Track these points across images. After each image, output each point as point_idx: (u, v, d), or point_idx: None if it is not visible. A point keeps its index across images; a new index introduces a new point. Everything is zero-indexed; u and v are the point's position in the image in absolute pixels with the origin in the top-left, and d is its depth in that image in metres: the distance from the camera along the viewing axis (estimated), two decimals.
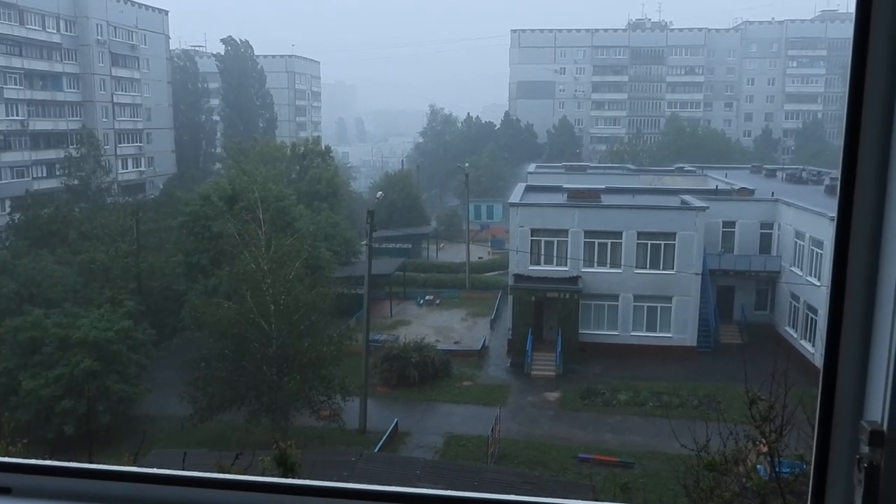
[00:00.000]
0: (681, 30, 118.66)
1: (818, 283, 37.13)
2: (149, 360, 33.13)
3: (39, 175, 70.22)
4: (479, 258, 61.28)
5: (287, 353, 28.45)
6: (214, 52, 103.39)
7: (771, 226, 43.66)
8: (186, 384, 28.65)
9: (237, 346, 28.59)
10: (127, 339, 31.37)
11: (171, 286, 40.20)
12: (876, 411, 1.47)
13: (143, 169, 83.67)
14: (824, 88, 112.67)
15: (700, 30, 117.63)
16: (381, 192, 55.06)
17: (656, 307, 39.61)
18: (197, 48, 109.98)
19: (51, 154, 70.41)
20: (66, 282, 38.39)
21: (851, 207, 1.51)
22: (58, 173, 67.43)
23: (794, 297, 40.30)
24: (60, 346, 29.77)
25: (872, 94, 1.48)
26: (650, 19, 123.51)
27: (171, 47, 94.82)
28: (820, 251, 37.38)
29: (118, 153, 79.85)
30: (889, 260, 1.47)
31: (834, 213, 1.61)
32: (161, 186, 76.55)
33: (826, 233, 36.03)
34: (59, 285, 37.85)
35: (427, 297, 51.31)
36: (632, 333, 39.78)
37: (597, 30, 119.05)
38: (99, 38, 77.31)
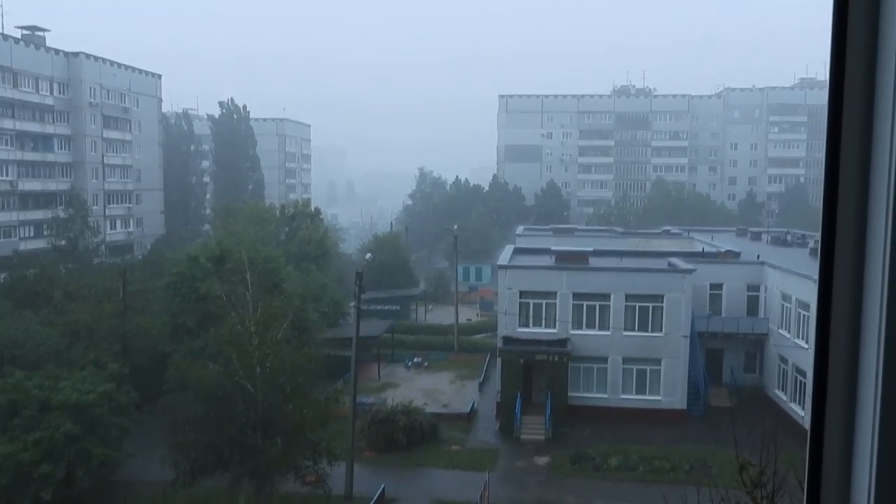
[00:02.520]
0: (665, 96, 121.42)
1: (806, 346, 37.16)
2: (131, 424, 32.46)
3: (27, 235, 70.07)
4: (468, 320, 61.07)
5: (272, 416, 27.98)
6: (208, 114, 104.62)
7: (757, 288, 43.91)
8: (169, 448, 28.05)
9: (221, 409, 28.09)
10: (109, 401, 30.79)
11: (157, 348, 39.72)
12: (861, 496, 1.47)
13: (131, 230, 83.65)
14: (806, 153, 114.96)
15: (683, 96, 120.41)
16: (369, 254, 55.26)
17: (645, 370, 39.44)
18: (189, 110, 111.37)
19: (39, 214, 70.43)
20: (50, 343, 37.84)
21: (832, 269, 1.53)
22: (45, 233, 67.33)
23: (783, 359, 40.26)
24: (41, 408, 29.16)
25: (848, 159, 1.51)
26: (635, 86, 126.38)
27: (164, 109, 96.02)
28: (807, 313, 37.51)
29: (107, 214, 79.95)
30: (870, 330, 1.47)
31: (818, 277, 1.63)
32: (149, 247, 76.41)
33: (812, 295, 36.03)
34: (41, 346, 37.29)
35: (415, 360, 50.87)
36: (621, 396, 39.48)
37: (583, 95, 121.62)
38: (92, 100, 78.21)
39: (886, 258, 1.45)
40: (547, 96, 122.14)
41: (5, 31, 70.70)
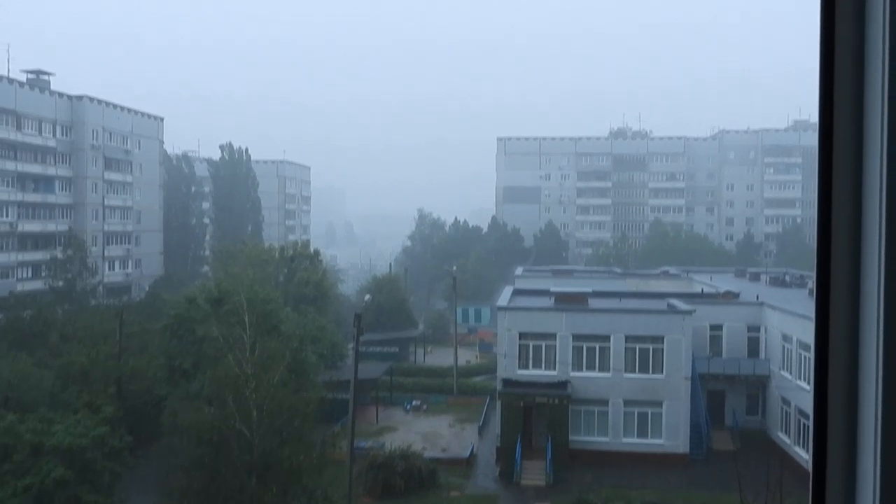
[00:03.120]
0: (661, 138, 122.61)
1: (808, 388, 36.82)
2: (125, 468, 31.96)
3: (25, 276, 70.00)
4: (467, 362, 60.67)
5: (268, 460, 27.57)
6: (206, 157, 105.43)
7: (758, 329, 43.72)
8: (162, 494, 27.59)
9: (216, 454, 27.69)
10: (102, 446, 30.33)
11: (152, 390, 39.33)
12: None
13: (129, 271, 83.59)
14: (801, 194, 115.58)
15: (679, 138, 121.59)
16: (368, 295, 55.02)
17: (647, 412, 39.00)
18: (190, 152, 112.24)
19: (38, 255, 70.44)
20: (44, 385, 37.44)
21: (828, 309, 1.52)
22: (43, 274, 67.23)
23: (785, 401, 39.88)
24: (33, 453, 28.71)
25: (840, 199, 1.49)
26: (631, 128, 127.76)
27: (166, 150, 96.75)
28: (808, 354, 37.25)
29: (106, 255, 79.98)
30: (868, 367, 1.44)
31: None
32: (147, 288, 76.26)
33: (813, 336, 35.95)
34: (35, 389, 36.88)
35: (414, 402, 50.38)
36: (623, 440, 38.98)
37: (580, 138, 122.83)
38: (94, 142, 78.83)
39: (881, 294, 1.46)
40: (544, 138, 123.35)
41: (11, 76, 71.62)
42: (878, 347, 1.45)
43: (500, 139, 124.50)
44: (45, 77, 77.14)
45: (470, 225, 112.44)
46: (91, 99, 79.18)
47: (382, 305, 65.45)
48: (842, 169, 1.51)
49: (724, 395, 43.66)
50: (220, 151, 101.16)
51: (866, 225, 1.49)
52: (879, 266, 1.44)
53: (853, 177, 1.50)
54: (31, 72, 76.39)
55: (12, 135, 69.86)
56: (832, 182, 1.51)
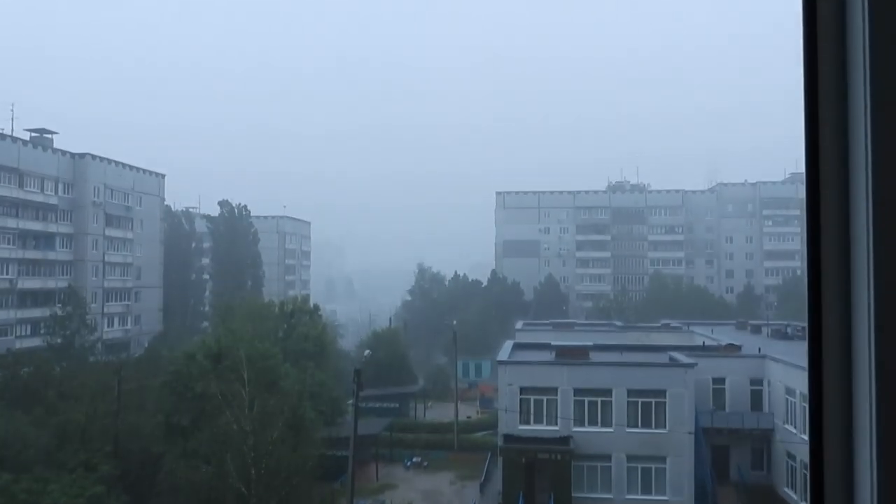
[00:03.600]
0: (659, 191, 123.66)
1: None
2: None
3: (23, 333, 69.73)
4: (468, 417, 59.97)
5: None
6: (205, 214, 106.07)
7: (761, 382, 43.37)
8: None
9: None
10: None
11: (150, 448, 38.77)
12: None
13: (128, 327, 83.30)
14: (801, 246, 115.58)
15: (677, 191, 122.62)
16: (368, 351, 54.79)
17: (650, 468, 38.41)
18: (191, 208, 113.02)
19: (37, 312, 70.28)
20: (40, 444, 36.97)
21: (821, 356, 1.56)
22: (42, 332, 66.94)
23: (791, 455, 39.34)
24: None
25: (829, 252, 1.54)
26: (629, 182, 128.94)
27: (167, 205, 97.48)
28: None
29: (105, 311, 79.82)
30: (861, 409, 1.47)
31: None
32: (146, 344, 75.87)
33: None
34: (31, 448, 36.41)
35: (414, 459, 49.64)
36: (626, 497, 38.28)
37: (578, 191, 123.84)
38: (95, 199, 79.45)
39: (872, 339, 1.51)
40: (543, 192, 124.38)
41: (14, 134, 72.60)
42: (871, 391, 1.49)
43: (498, 193, 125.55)
44: (49, 136, 78.16)
45: (470, 279, 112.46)
46: (93, 156, 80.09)
47: (382, 360, 65.00)
48: (830, 216, 1.56)
49: (729, 449, 43.06)
50: (219, 208, 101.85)
51: (855, 270, 1.56)
52: (869, 316, 1.47)
53: (840, 220, 1.55)
54: (35, 130, 77.46)
55: (14, 192, 70.46)
56: (820, 226, 1.56)
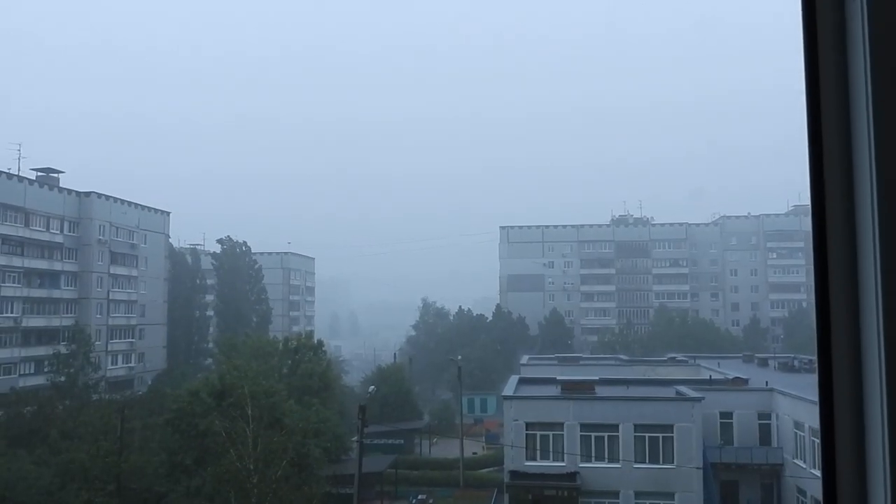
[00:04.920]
0: (662, 224, 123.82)
1: None
2: None
3: (27, 372, 69.58)
4: (474, 453, 59.39)
5: None
6: (211, 252, 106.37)
7: (769, 416, 42.94)
8: None
9: None
10: None
11: (153, 487, 38.41)
12: None
13: (132, 365, 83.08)
14: (806, 278, 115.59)
15: (681, 224, 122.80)
16: (373, 387, 54.47)
17: None
18: (196, 245, 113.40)
19: (41, 351, 70.19)
20: (41, 484, 36.68)
21: (832, 388, 1.54)
22: (46, 370, 66.76)
23: (801, 491, 38.80)
24: None
25: (837, 283, 1.55)
26: (632, 215, 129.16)
27: (172, 242, 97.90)
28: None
29: (109, 349, 79.69)
30: (874, 449, 1.46)
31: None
32: (150, 382, 75.58)
33: None
34: (33, 488, 36.13)
35: (420, 497, 49.06)
36: None
37: (582, 225, 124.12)
38: (100, 237, 79.82)
39: (882, 368, 1.49)
40: (547, 227, 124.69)
41: (21, 174, 73.26)
42: (882, 420, 1.47)
43: (502, 228, 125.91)
44: (55, 175, 78.82)
45: (474, 314, 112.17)
46: (99, 195, 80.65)
47: (387, 396, 64.64)
48: (837, 252, 1.57)
49: (738, 485, 42.50)
50: (220, 245, 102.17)
51: (863, 292, 1.58)
52: (879, 338, 1.48)
53: (848, 262, 1.56)
54: (41, 170, 78.13)
55: (20, 231, 70.86)
56: (828, 264, 1.58)
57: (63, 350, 66.41)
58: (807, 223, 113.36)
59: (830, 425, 1.59)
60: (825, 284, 1.58)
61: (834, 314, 1.56)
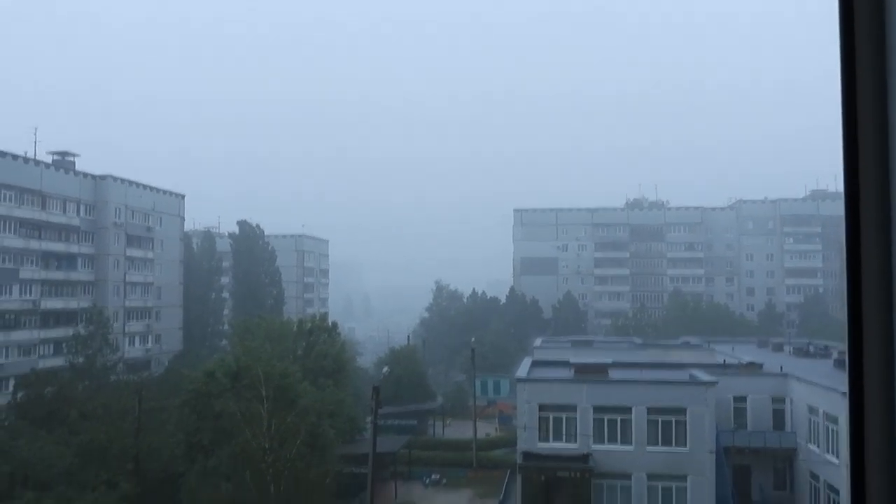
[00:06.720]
0: (678, 208, 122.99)
1: (837, 462, 35.85)
2: None
3: (46, 353, 70.40)
4: (487, 435, 59.72)
5: None
6: (229, 233, 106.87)
7: (783, 401, 42.84)
8: None
9: None
10: None
11: (170, 467, 38.94)
12: None
13: (149, 346, 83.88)
14: (822, 264, 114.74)
15: (696, 208, 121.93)
16: (386, 368, 54.75)
17: (671, 487, 37.99)
18: (211, 228, 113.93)
19: (59, 332, 70.93)
20: (62, 463, 37.26)
21: (862, 383, 1.54)
22: (64, 351, 67.51)
23: (814, 476, 38.76)
24: None
25: (869, 272, 1.55)
26: (647, 199, 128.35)
27: (187, 227, 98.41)
28: (835, 427, 36.40)
29: (126, 331, 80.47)
30: None
31: (845, 389, 1.64)
32: (166, 363, 76.31)
33: (840, 408, 35.27)
34: (54, 467, 36.70)
35: (433, 477, 49.46)
36: None
37: (596, 209, 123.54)
38: (116, 220, 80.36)
39: None
40: (561, 210, 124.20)
41: (37, 157, 73.75)
42: None
43: (516, 211, 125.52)
44: (71, 158, 79.29)
45: (488, 296, 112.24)
46: (114, 178, 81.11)
47: (401, 378, 64.96)
48: (869, 243, 1.57)
49: (750, 469, 42.52)
50: (237, 227, 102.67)
51: None
52: None
53: (881, 249, 1.55)
54: (57, 153, 78.59)
55: (38, 214, 71.45)
56: (861, 253, 1.57)
57: (82, 332, 67.11)
58: (824, 207, 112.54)
59: (860, 421, 1.57)
60: (857, 278, 1.56)
61: (865, 308, 1.55)
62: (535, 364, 46.82)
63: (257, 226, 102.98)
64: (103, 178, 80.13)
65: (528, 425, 38.93)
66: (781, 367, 45.51)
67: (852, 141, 1.60)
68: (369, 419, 34.68)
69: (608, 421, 38.75)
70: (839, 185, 1.69)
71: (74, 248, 76.31)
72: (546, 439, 38.81)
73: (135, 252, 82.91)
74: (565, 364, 45.06)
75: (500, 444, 57.12)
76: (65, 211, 75.39)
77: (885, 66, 1.58)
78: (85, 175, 78.64)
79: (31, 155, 72.89)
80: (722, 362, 50.28)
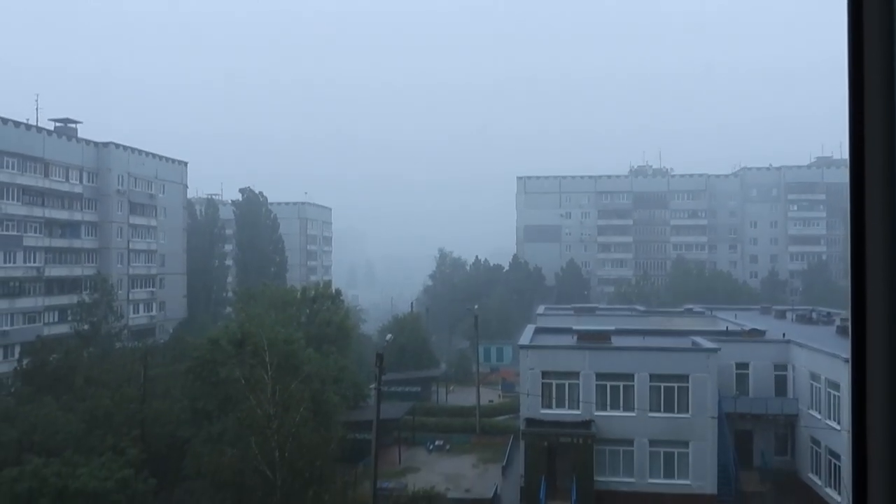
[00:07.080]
0: (682, 176, 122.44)
1: (838, 427, 36.08)
2: None
3: (51, 320, 70.79)
4: (490, 401, 60.16)
5: (291, 502, 27.39)
6: (232, 200, 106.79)
7: (785, 367, 43.02)
8: None
9: (239, 496, 27.61)
10: (126, 489, 30.37)
11: (176, 433, 39.30)
12: None
13: (153, 313, 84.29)
14: (826, 231, 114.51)
15: (700, 175, 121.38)
16: (390, 335, 54.96)
17: (673, 452, 38.33)
18: (214, 195, 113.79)
19: (64, 299, 71.28)
20: (69, 429, 37.64)
21: (865, 350, 1.51)
22: (69, 318, 67.88)
23: (815, 441, 39.05)
24: (58, 497, 28.81)
25: (874, 239, 1.51)
26: (651, 166, 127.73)
27: (190, 195, 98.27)
28: (837, 393, 36.57)
29: (130, 298, 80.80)
30: None
31: (847, 355, 1.62)
32: (171, 331, 76.74)
33: (842, 375, 35.40)
34: (60, 433, 37.08)
35: (437, 443, 49.94)
36: (649, 481, 38.24)
37: (600, 176, 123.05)
38: (119, 188, 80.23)
39: None
40: (564, 177, 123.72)
41: (40, 124, 73.39)
42: None
43: (520, 178, 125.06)
44: (73, 125, 78.92)
45: (491, 264, 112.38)
46: (117, 145, 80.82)
47: (404, 345, 65.29)
48: (874, 204, 1.53)
49: (752, 435, 42.84)
50: (240, 195, 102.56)
51: None
52: None
53: (887, 215, 1.51)
54: (59, 120, 78.25)
55: (40, 182, 71.34)
56: (865, 218, 1.53)
57: (86, 299, 67.40)
58: (829, 175, 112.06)
59: (862, 390, 1.55)
60: (861, 245, 1.52)
61: (870, 276, 1.51)
62: (538, 331, 46.96)
63: (260, 193, 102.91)
64: (106, 145, 79.84)
65: (531, 392, 39.18)
66: (784, 334, 45.62)
67: (858, 108, 1.56)
68: (373, 386, 34.92)
69: (611, 387, 38.97)
70: (844, 153, 1.62)
71: (78, 216, 76.32)
72: (549, 406, 39.07)
73: (138, 219, 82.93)
74: (568, 331, 45.19)
75: (503, 411, 57.57)
76: (67, 178, 75.26)
77: (894, 34, 1.54)
78: (87, 142, 78.35)
79: (33, 122, 72.61)
80: (724, 329, 50.39)
